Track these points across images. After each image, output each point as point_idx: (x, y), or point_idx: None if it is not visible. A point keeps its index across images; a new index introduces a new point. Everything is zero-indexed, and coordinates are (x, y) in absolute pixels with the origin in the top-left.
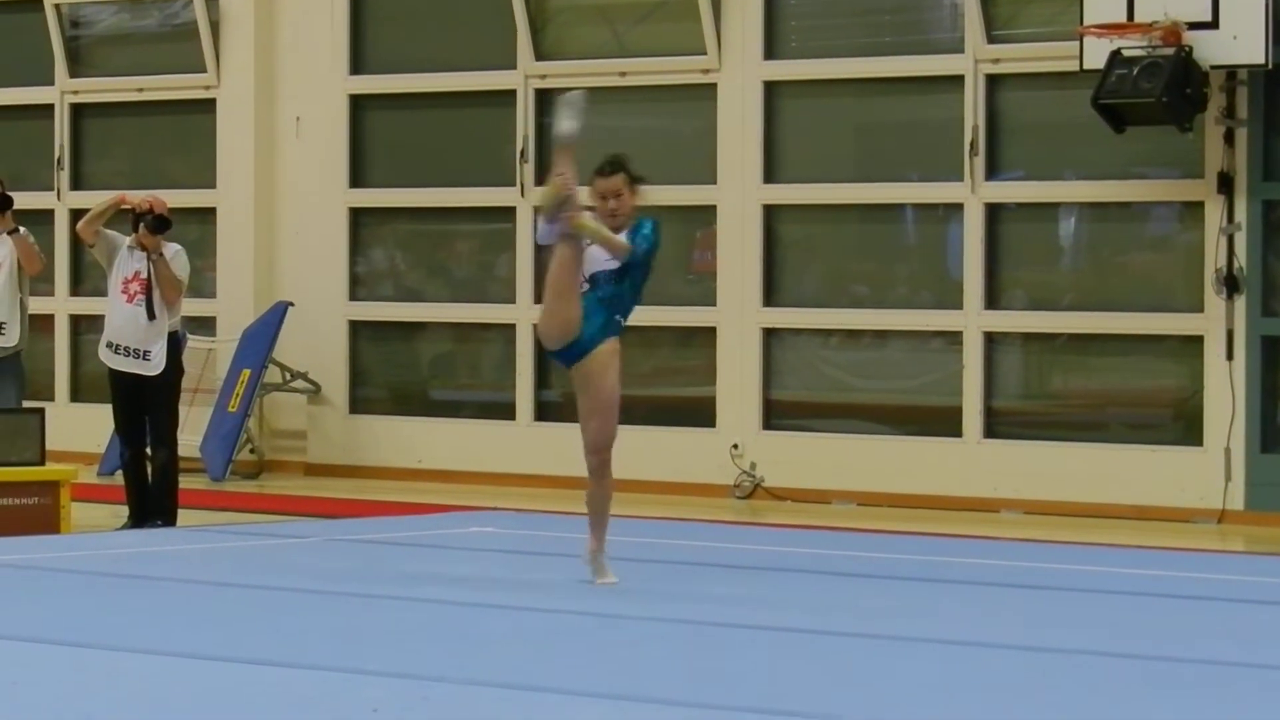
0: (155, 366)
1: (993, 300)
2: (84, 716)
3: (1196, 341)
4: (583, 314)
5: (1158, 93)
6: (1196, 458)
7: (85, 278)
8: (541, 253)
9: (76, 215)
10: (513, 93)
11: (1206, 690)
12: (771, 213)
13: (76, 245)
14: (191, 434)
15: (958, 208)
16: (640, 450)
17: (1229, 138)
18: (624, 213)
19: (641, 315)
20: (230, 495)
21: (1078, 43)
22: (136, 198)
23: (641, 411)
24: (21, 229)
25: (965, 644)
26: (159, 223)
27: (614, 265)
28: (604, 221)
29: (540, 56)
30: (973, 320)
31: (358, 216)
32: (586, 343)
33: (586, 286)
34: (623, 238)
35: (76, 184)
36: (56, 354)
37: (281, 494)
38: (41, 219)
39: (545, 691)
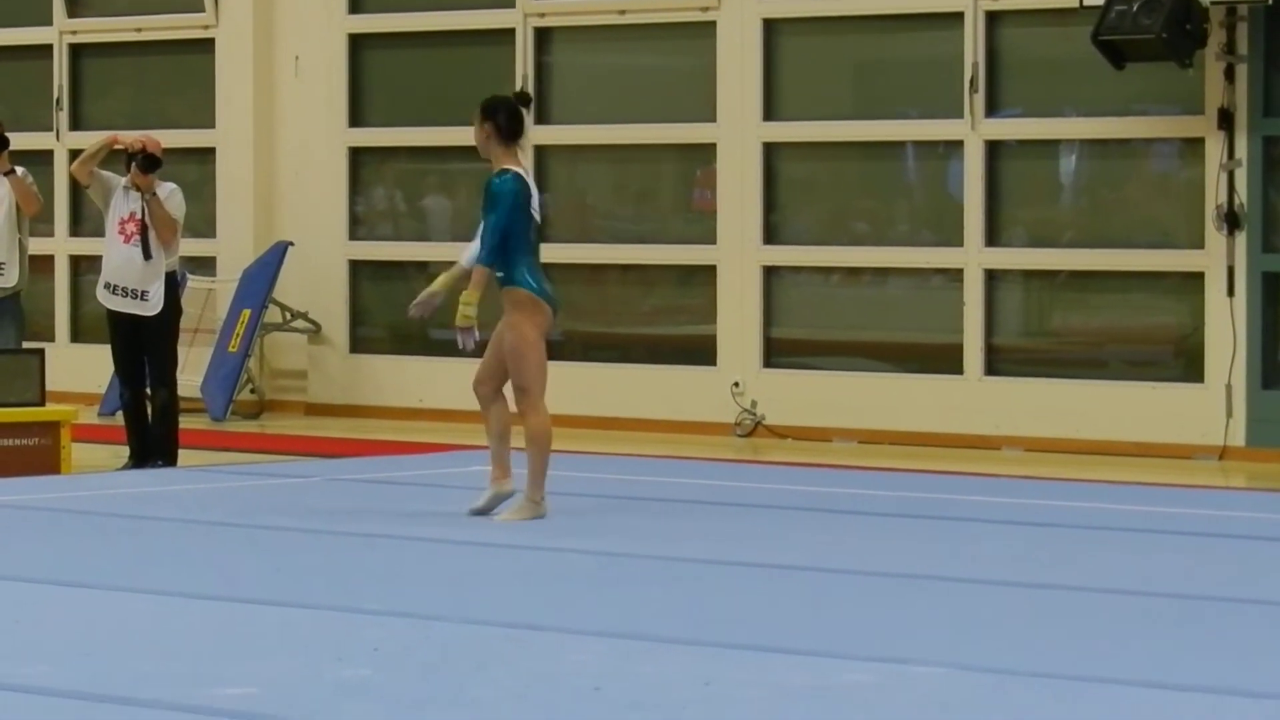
0: (153, 307)
1: (993, 237)
2: (84, 655)
3: (1197, 278)
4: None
5: (1158, 28)
6: (1198, 394)
7: (84, 218)
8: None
9: (75, 155)
10: (512, 31)
11: (1210, 625)
12: (771, 151)
13: (75, 186)
14: (192, 374)
15: (958, 145)
16: (641, 389)
17: (1229, 74)
18: (484, 153)
19: (641, 254)
20: (231, 435)
21: None
22: (129, 138)
23: (642, 350)
24: (19, 169)
25: (966, 581)
26: (149, 161)
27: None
28: None
29: None
30: (973, 257)
31: (357, 156)
32: None
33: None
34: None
35: (75, 124)
36: (56, 294)
37: (282, 434)
38: (40, 159)
39: (545, 630)
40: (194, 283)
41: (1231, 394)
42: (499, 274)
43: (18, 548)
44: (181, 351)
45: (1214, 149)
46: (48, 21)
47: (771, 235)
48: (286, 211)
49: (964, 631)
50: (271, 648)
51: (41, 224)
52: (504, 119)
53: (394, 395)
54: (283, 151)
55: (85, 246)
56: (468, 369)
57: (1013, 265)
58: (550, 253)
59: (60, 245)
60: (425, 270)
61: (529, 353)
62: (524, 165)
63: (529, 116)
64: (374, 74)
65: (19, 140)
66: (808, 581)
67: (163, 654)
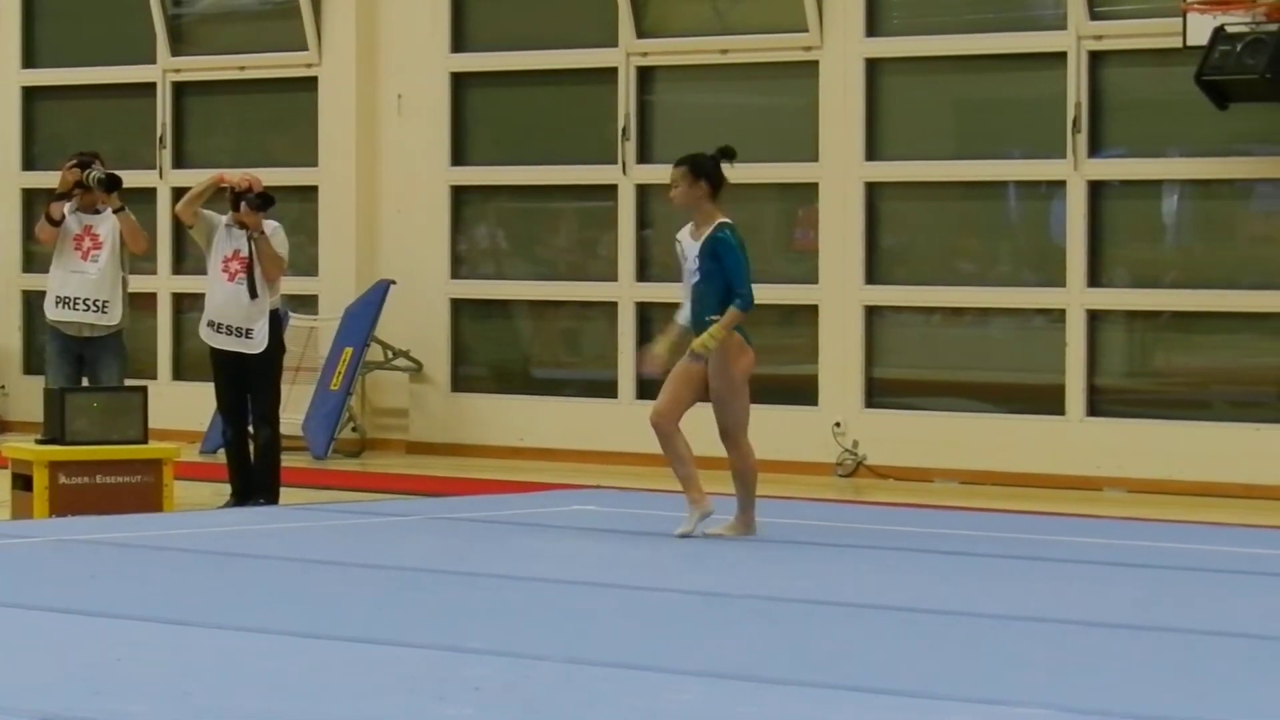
0: (258, 345)
1: (1095, 278)
2: (184, 694)
3: None
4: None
5: (1261, 69)
6: None
7: (187, 256)
8: (643, 230)
9: (178, 193)
10: (614, 70)
11: None
12: (873, 190)
13: (178, 223)
14: (294, 412)
15: (1060, 185)
16: None
17: None
18: (680, 202)
19: None
20: (332, 474)
21: (1181, 19)
22: (234, 176)
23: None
24: (125, 207)
25: (1071, 623)
26: (262, 200)
27: (692, 282)
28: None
29: (641, 34)
30: (1075, 298)
31: (459, 194)
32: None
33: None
34: (704, 238)
35: (178, 162)
36: (159, 332)
37: (384, 472)
38: (144, 197)
39: (648, 670)
40: (296, 321)
41: None
42: (708, 318)
43: (120, 585)
44: (284, 390)
45: None
46: (152, 60)
47: (873, 275)
48: (389, 250)
49: (1066, 674)
50: (374, 687)
51: (144, 261)
52: (717, 177)
53: (496, 434)
54: (385, 190)
55: (188, 284)
56: (569, 408)
57: (1115, 306)
58: (652, 292)
59: (163, 283)
60: (529, 308)
61: (741, 395)
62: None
63: (633, 155)
64: (476, 112)
65: (123, 178)
66: (909, 622)
67: (264, 692)
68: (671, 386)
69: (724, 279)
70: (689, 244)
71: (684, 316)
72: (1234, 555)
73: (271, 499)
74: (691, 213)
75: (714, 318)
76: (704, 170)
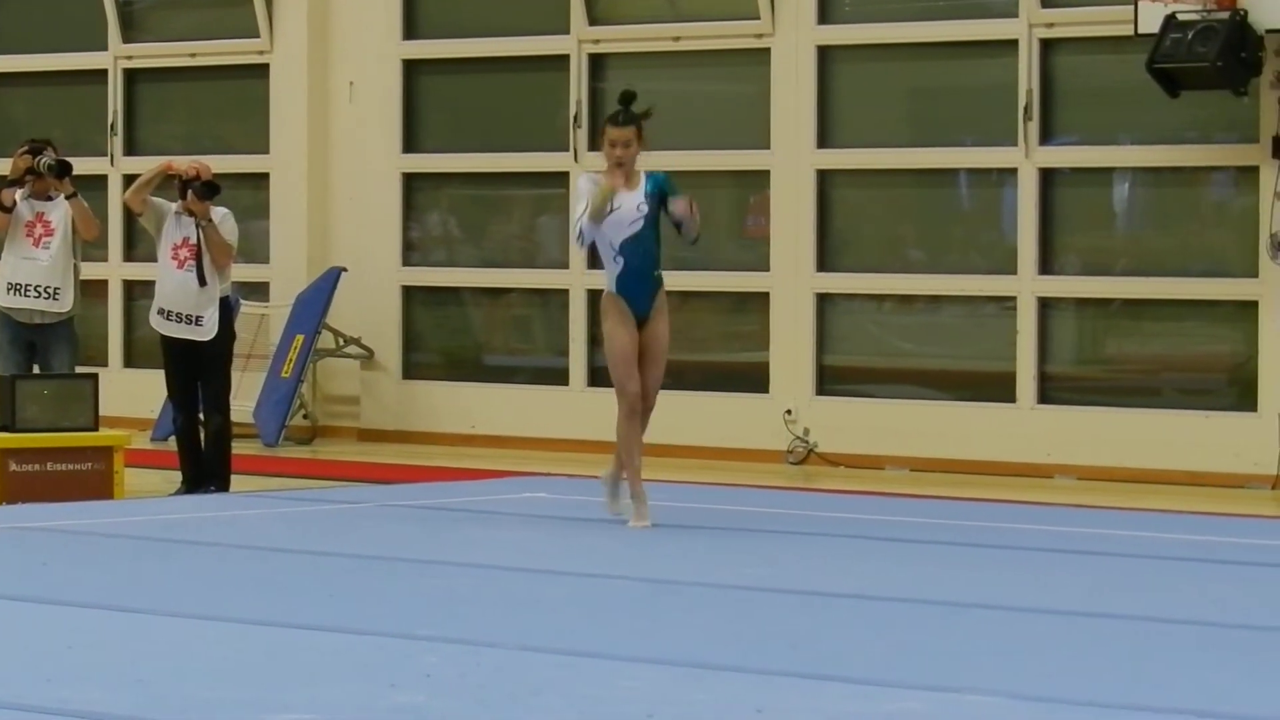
0: (208, 332)
1: (1046, 265)
2: (137, 681)
3: (1251, 306)
4: (633, 279)
5: (1212, 57)
6: (1251, 423)
7: (138, 243)
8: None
9: (130, 180)
10: (566, 57)
11: (1261, 655)
12: (825, 178)
13: (129, 211)
14: (244, 399)
15: (1011, 173)
16: (693, 416)
17: None
18: (628, 159)
19: (695, 280)
20: (283, 461)
21: (1132, 7)
22: (183, 164)
23: (694, 377)
24: (77, 194)
25: (1020, 609)
26: (208, 188)
27: (632, 232)
28: (610, 166)
29: (593, 21)
30: (1026, 285)
31: (411, 181)
32: (646, 310)
33: (620, 261)
34: (640, 187)
35: (130, 149)
36: (110, 320)
37: (335, 459)
38: (95, 184)
39: (598, 657)
40: (247, 308)
41: None
42: (657, 272)
43: (70, 572)
44: (235, 377)
45: (1268, 177)
46: (103, 47)
47: (824, 262)
48: (340, 237)
49: (1015, 660)
50: (326, 673)
51: (95, 249)
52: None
53: (447, 421)
54: (337, 177)
55: (138, 271)
56: (520, 395)
57: (1066, 293)
58: (599, 279)
59: (114, 270)
60: (480, 296)
61: None
62: None
63: (584, 143)
64: (428, 99)
65: (74, 165)
66: (859, 609)
67: (216, 679)
68: (633, 364)
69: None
70: (623, 195)
71: (614, 276)
72: (1182, 542)
73: (222, 486)
74: (620, 171)
75: (657, 274)
76: (641, 123)
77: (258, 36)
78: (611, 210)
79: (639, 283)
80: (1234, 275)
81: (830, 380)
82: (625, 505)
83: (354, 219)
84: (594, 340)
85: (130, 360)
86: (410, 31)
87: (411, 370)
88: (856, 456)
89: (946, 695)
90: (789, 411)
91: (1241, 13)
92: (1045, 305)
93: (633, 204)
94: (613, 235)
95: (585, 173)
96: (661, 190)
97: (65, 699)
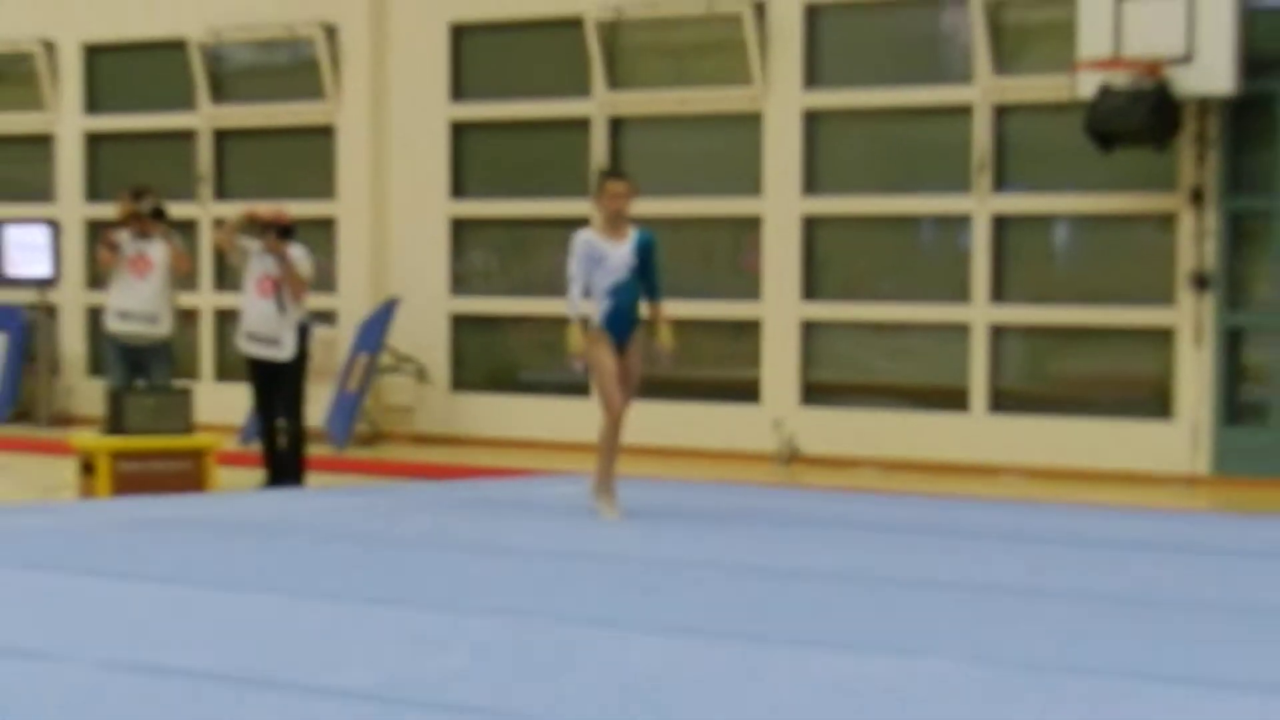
0: (286, 352)
1: (998, 296)
2: (222, 647)
3: (1170, 331)
4: (618, 317)
5: (1140, 119)
6: (1170, 430)
7: (226, 277)
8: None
9: (218, 224)
10: (588, 119)
11: (1177, 624)
12: (809, 221)
13: (219, 250)
14: (317, 409)
15: (968, 217)
16: (695, 423)
17: (1201, 157)
18: (625, 211)
19: (698, 308)
20: (350, 461)
21: (1072, 76)
22: (264, 210)
23: (696, 390)
24: (172, 235)
25: (973, 587)
26: (285, 230)
27: (620, 279)
28: (609, 215)
29: (613, 84)
30: (980, 313)
31: (457, 224)
32: (625, 341)
33: (609, 301)
34: (630, 242)
35: (218, 196)
36: (202, 341)
37: (393, 460)
38: (188, 227)
39: (617, 627)
40: (319, 332)
41: (1198, 430)
42: (636, 313)
43: (170, 553)
44: (308, 390)
45: (1187, 222)
46: (194, 107)
47: (809, 293)
48: (397, 272)
49: (969, 629)
50: (383, 641)
51: (189, 281)
52: None
53: (488, 427)
54: (394, 220)
55: (226, 301)
56: (549, 405)
57: (1014, 320)
58: None
59: (206, 299)
60: (516, 321)
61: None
62: None
63: None
64: (472, 154)
65: (171, 210)
66: (838, 585)
67: (294, 645)
68: (617, 382)
69: (647, 275)
70: (613, 246)
71: (603, 311)
72: (1111, 528)
73: (298, 482)
74: (617, 219)
75: (637, 314)
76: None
77: (325, 100)
78: (604, 258)
79: (622, 319)
80: (1157, 305)
81: (813, 393)
82: (619, 505)
83: (409, 256)
84: None
85: (220, 375)
86: (456, 96)
87: (458, 384)
88: (835, 458)
89: (910, 659)
90: (777, 419)
91: (1165, 81)
92: (996, 330)
93: (622, 257)
94: (604, 281)
95: (579, 231)
96: (646, 250)
97: (168, 661)
